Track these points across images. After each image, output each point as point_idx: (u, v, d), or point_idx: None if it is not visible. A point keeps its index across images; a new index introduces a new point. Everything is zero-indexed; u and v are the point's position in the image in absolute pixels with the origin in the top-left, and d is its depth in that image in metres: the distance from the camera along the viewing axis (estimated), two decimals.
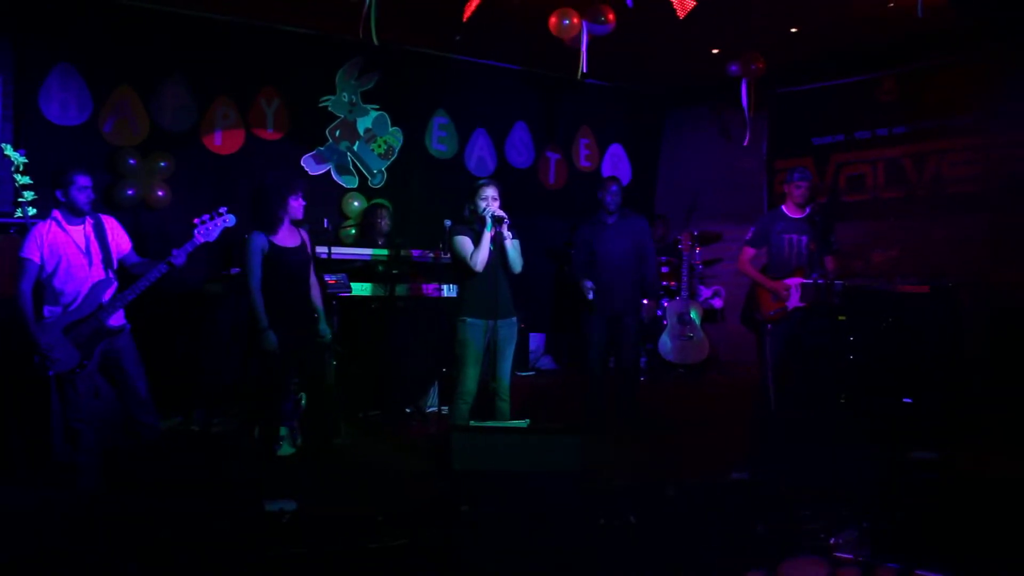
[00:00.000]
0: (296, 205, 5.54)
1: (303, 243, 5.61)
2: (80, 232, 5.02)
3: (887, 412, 6.54)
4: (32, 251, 4.89)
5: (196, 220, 5.08)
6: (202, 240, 5.07)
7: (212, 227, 5.09)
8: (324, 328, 5.68)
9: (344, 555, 3.95)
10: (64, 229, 4.98)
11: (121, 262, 5.16)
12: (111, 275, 5.06)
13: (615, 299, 6.63)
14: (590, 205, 6.96)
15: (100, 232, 5.07)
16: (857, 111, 9.28)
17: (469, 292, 5.67)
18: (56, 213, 5.00)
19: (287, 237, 5.52)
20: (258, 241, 5.40)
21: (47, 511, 4.75)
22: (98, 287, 4.98)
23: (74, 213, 5.00)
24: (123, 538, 4.13)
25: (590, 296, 6.54)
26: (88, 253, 5.00)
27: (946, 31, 7.89)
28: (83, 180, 4.99)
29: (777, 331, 6.40)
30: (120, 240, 5.18)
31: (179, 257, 4.99)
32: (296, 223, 5.61)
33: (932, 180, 8.74)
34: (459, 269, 5.70)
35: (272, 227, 5.46)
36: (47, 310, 4.94)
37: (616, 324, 6.68)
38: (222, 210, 5.14)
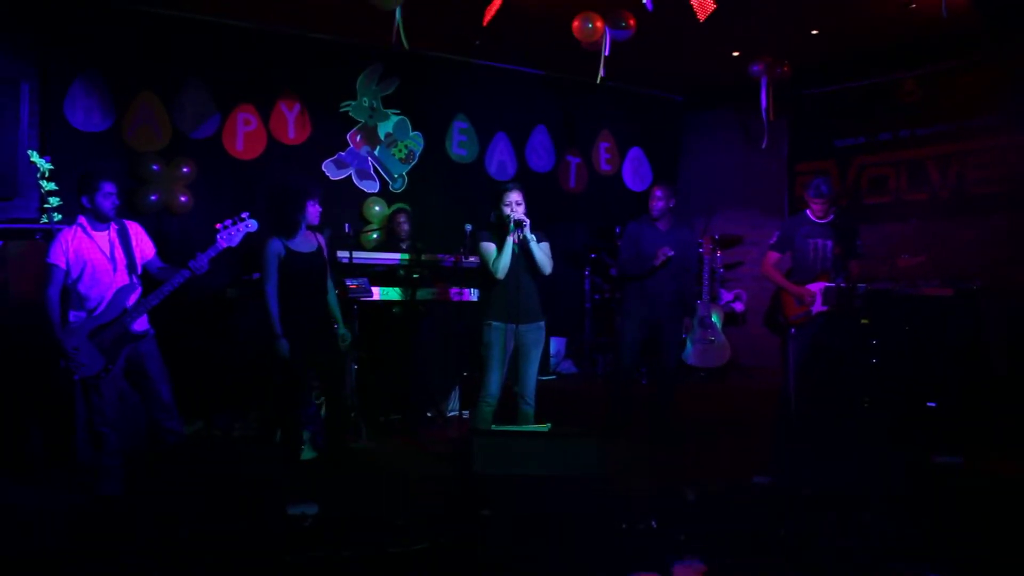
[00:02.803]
0: (313, 211, 5.57)
1: (319, 248, 5.64)
2: (105, 238, 5.06)
3: (910, 416, 6.49)
4: (58, 257, 4.93)
5: (219, 225, 5.09)
6: (224, 245, 5.09)
7: (234, 232, 5.11)
8: (344, 330, 5.72)
9: (365, 559, 3.96)
10: (89, 235, 5.02)
11: (145, 268, 5.19)
12: (135, 280, 5.09)
13: (657, 305, 6.50)
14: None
15: (124, 238, 5.11)
16: (879, 113, 9.23)
17: (493, 296, 5.67)
18: (81, 219, 5.05)
19: (303, 242, 5.55)
20: (274, 247, 5.45)
21: (71, 514, 4.79)
22: (122, 292, 5.02)
23: (99, 219, 5.04)
24: (145, 541, 4.16)
25: (669, 254, 6.32)
26: (113, 259, 5.04)
27: (968, 32, 7.83)
28: (109, 187, 5.03)
29: (801, 335, 6.35)
30: (144, 246, 5.21)
31: (201, 263, 5.00)
32: (312, 228, 5.63)
33: (955, 182, 8.67)
34: (484, 274, 5.72)
35: (290, 232, 5.50)
36: (72, 315, 4.98)
37: (656, 330, 6.54)
38: (244, 215, 5.14)
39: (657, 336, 6.58)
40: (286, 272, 5.45)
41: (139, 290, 5.10)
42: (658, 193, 6.60)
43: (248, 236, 5.19)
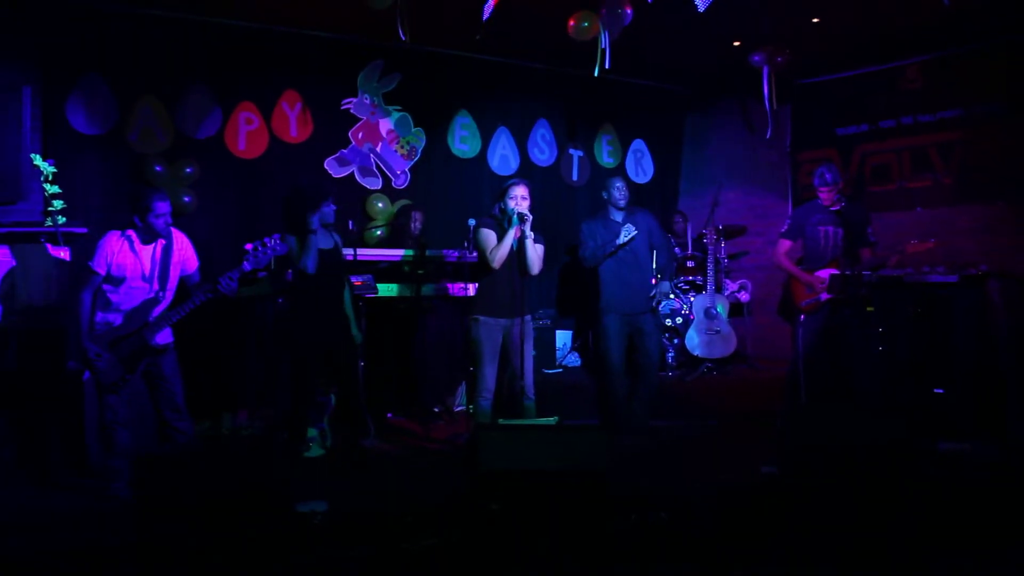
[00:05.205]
0: (328, 210, 5.67)
1: (336, 246, 5.77)
2: (149, 252, 5.06)
3: (917, 403, 6.48)
4: (100, 265, 4.95)
5: (248, 246, 5.09)
6: (250, 268, 5.09)
7: (261, 254, 5.08)
8: (356, 332, 5.82)
9: (375, 556, 3.97)
10: (135, 250, 5.01)
11: (182, 280, 5.20)
12: (162, 295, 5.08)
13: (634, 297, 6.46)
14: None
15: (167, 254, 5.10)
16: (881, 100, 9.22)
17: (486, 289, 5.75)
18: (131, 232, 5.04)
19: (322, 239, 5.66)
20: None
21: (81, 514, 4.81)
22: (146, 304, 5.03)
23: (150, 235, 5.05)
24: (155, 540, 4.17)
25: (633, 232, 6.32)
26: (151, 275, 5.05)
27: (971, 18, 7.81)
28: (161, 207, 5.01)
29: (810, 322, 6.37)
30: (188, 261, 5.22)
31: (230, 284, 4.99)
32: (328, 227, 5.72)
33: (958, 168, 8.67)
34: (480, 263, 5.77)
35: (305, 231, 5.57)
36: (99, 315, 5.00)
37: (634, 322, 6.49)
38: (276, 237, 5.15)
39: (635, 328, 6.49)
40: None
41: (164, 304, 5.10)
42: (619, 184, 6.60)
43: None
